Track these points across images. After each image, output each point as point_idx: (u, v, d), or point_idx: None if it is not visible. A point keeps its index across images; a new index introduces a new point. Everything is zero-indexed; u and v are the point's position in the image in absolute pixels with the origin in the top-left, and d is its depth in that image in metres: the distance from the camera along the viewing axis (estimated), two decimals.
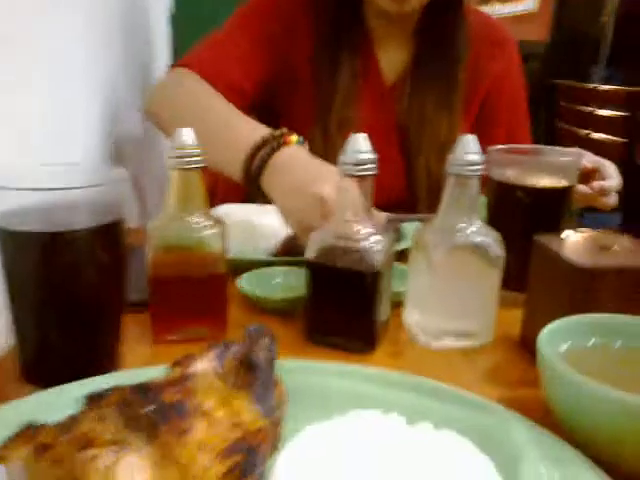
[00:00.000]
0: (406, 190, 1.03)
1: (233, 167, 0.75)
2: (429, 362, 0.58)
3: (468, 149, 0.57)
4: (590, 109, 2.54)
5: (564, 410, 0.44)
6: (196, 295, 0.61)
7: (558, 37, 3.44)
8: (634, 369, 0.47)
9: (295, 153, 0.72)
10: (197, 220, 0.59)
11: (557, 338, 0.48)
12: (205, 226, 0.59)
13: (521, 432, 0.41)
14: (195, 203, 0.59)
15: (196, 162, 0.58)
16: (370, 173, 0.57)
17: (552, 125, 2.75)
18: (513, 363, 0.58)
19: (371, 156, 0.56)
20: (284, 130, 0.74)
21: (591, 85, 2.79)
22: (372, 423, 0.37)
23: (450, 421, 0.40)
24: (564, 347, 0.48)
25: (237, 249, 0.71)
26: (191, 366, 0.43)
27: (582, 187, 0.84)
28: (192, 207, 0.59)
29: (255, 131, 0.75)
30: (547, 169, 0.70)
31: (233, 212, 0.79)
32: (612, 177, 0.88)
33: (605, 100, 2.49)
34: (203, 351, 0.44)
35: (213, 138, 0.76)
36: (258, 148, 0.72)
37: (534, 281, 0.60)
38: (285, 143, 0.72)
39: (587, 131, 2.50)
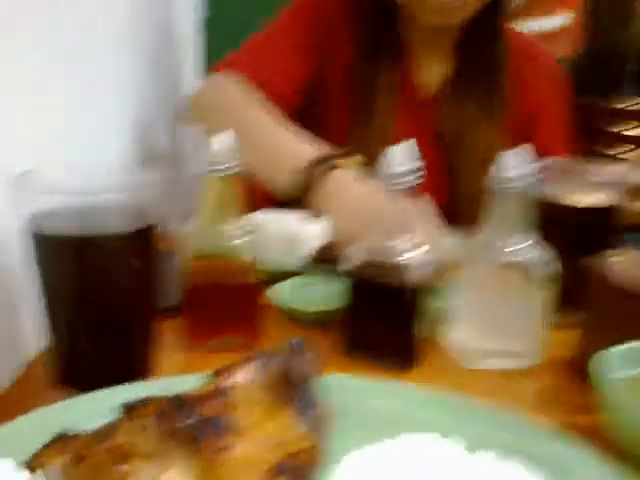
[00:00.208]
0: (444, 204, 1.01)
1: (280, 180, 0.74)
2: (471, 383, 0.55)
3: (511, 164, 0.55)
4: (619, 129, 2.50)
5: (626, 438, 0.42)
6: (229, 304, 0.59)
7: (587, 55, 3.40)
8: None
9: (353, 173, 0.72)
10: (231, 228, 0.58)
11: (615, 364, 0.45)
12: (239, 234, 0.58)
13: (592, 464, 0.38)
14: (229, 210, 0.58)
15: (232, 169, 0.56)
16: (411, 185, 0.55)
17: (580, 144, 2.71)
18: (562, 387, 0.55)
19: (412, 168, 0.55)
20: (342, 149, 0.73)
21: (624, 105, 2.75)
22: (428, 447, 0.35)
23: (513, 449, 0.37)
24: (622, 373, 0.46)
25: (272, 257, 0.70)
26: (231, 377, 0.41)
27: None
28: (226, 214, 0.58)
29: (309, 147, 0.75)
30: (593, 186, 0.68)
31: (268, 219, 0.77)
32: None
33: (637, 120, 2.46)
34: (244, 362, 0.42)
35: (260, 149, 0.77)
36: (315, 164, 0.71)
37: (588, 305, 0.57)
38: (343, 162, 0.72)
39: (616, 151, 2.46)
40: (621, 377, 0.45)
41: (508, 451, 0.36)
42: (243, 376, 0.41)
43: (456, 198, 1.00)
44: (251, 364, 0.42)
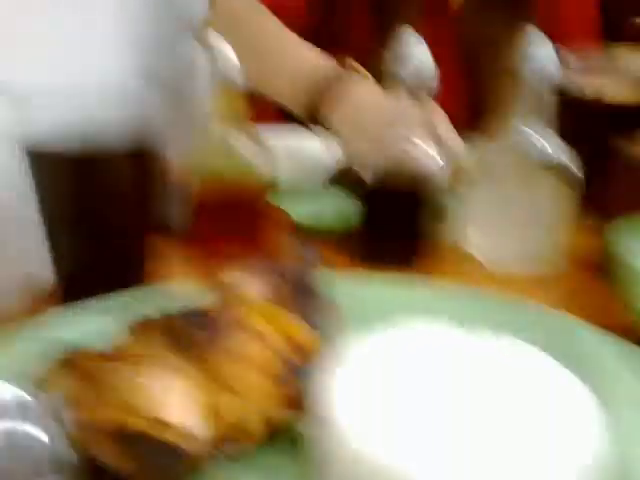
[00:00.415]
0: (466, 114, 0.97)
1: (291, 97, 0.72)
2: (492, 287, 0.52)
3: (537, 56, 0.53)
4: None
5: None
6: (240, 221, 0.58)
7: None
8: None
9: (364, 87, 0.69)
10: (241, 142, 0.56)
11: None
12: (249, 149, 0.56)
13: (604, 344, 0.37)
14: (238, 124, 0.56)
15: (239, 80, 0.54)
16: (428, 87, 0.54)
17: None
18: (588, 290, 0.53)
19: (430, 68, 0.53)
20: (349, 61, 0.70)
21: None
22: (434, 335, 0.34)
23: (515, 329, 0.35)
24: None
25: (285, 175, 0.68)
26: (236, 284, 0.40)
27: None
28: (235, 128, 0.56)
29: (318, 60, 0.72)
30: (626, 75, 0.64)
31: (279, 136, 0.75)
32: None
33: None
34: (248, 270, 0.41)
35: (268, 64, 0.75)
36: (324, 79, 0.69)
37: (614, 189, 0.54)
38: (352, 74, 0.69)
39: None
40: None
41: (519, 337, 0.34)
42: (248, 282, 0.40)
43: (481, 108, 0.97)
44: (255, 271, 0.41)
